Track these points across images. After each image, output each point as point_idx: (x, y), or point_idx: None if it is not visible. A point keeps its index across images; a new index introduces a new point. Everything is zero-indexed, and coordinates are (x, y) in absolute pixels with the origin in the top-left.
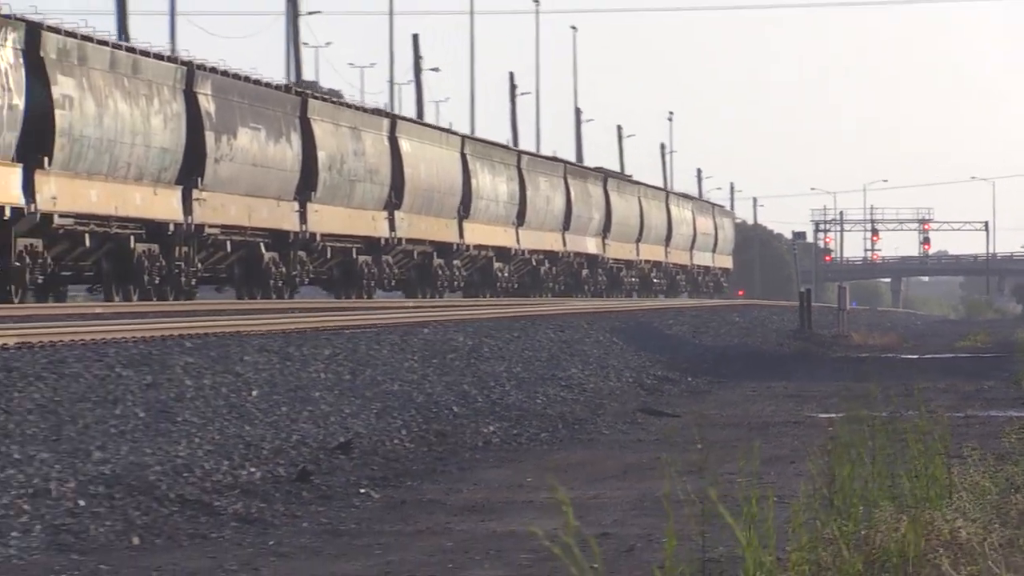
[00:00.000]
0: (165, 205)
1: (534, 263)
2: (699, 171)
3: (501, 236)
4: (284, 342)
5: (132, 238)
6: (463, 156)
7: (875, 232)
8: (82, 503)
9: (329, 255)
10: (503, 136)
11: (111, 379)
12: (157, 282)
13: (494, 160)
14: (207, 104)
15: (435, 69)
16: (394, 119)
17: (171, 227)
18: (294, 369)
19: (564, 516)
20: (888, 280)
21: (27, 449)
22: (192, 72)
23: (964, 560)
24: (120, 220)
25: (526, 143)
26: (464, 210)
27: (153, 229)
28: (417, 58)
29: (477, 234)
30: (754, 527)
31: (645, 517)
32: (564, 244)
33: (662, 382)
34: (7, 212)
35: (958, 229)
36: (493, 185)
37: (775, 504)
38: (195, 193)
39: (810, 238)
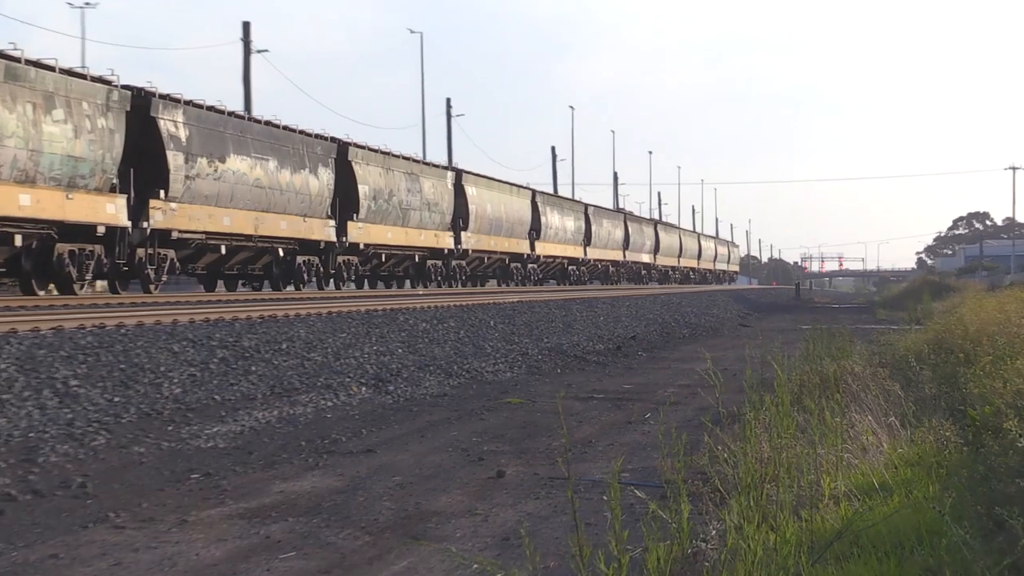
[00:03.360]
0: (88, 209)
1: (600, 267)
2: (760, 241)
3: (571, 251)
4: (612, 299)
5: (20, 236)
6: (534, 202)
7: (823, 261)
8: (540, 357)
9: (384, 259)
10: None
11: (550, 315)
12: (85, 277)
13: (563, 207)
14: (172, 128)
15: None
16: (459, 172)
17: (100, 229)
18: (615, 310)
19: (707, 363)
20: (828, 278)
21: (520, 340)
22: (148, 99)
23: (856, 380)
24: None
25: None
26: (536, 234)
27: (70, 230)
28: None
29: (548, 249)
30: (779, 366)
31: (741, 364)
32: (624, 257)
33: (746, 315)
34: None
35: (853, 260)
36: (561, 222)
37: (788, 359)
38: (154, 203)
39: (800, 263)
